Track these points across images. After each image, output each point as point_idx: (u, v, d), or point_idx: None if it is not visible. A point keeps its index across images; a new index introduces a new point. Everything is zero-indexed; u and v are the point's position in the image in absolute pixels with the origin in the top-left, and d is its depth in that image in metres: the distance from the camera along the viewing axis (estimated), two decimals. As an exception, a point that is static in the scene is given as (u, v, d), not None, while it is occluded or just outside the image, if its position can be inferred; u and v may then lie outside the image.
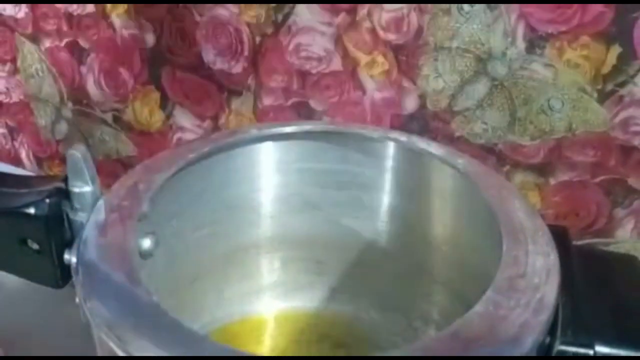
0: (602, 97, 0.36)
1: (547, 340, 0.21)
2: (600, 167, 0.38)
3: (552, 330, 0.21)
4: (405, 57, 0.40)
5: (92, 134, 0.56)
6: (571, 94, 0.36)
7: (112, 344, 0.20)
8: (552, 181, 0.39)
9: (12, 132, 0.62)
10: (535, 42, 0.36)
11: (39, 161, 0.62)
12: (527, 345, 0.20)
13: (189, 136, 0.51)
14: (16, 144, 0.62)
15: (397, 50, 0.40)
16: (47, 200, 0.25)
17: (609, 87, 0.35)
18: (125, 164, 0.55)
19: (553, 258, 0.23)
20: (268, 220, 0.36)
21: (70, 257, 0.24)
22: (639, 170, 0.37)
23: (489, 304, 0.20)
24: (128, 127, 0.54)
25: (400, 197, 0.34)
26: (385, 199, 0.34)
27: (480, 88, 0.38)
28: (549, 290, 0.22)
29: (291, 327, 0.38)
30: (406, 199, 0.34)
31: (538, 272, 0.22)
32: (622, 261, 0.27)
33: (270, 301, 0.38)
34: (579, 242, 0.39)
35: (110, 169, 0.56)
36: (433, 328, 0.35)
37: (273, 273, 0.38)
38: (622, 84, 0.35)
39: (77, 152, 0.24)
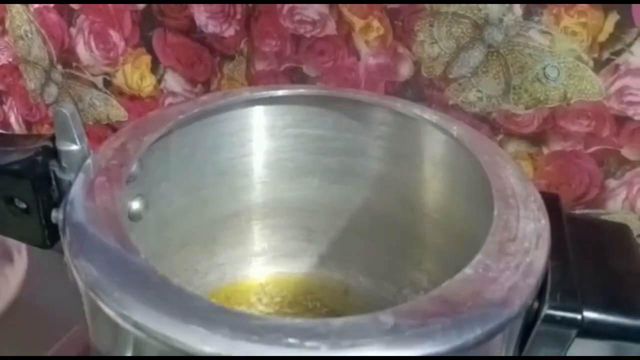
0: (598, 66, 0.36)
1: (536, 304, 0.22)
2: (594, 137, 0.38)
3: (540, 294, 0.22)
4: (401, 22, 0.39)
5: (82, 98, 0.55)
6: (567, 62, 0.36)
7: (99, 302, 0.20)
8: (546, 151, 0.39)
9: (0, 96, 0.61)
10: (532, 8, 0.35)
11: (28, 125, 0.61)
12: (515, 308, 0.20)
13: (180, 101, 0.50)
14: (5, 108, 0.61)
15: (392, 15, 0.39)
16: (35, 159, 0.25)
17: (605, 55, 0.35)
18: (116, 129, 0.55)
19: (544, 223, 0.23)
20: (259, 186, 0.36)
21: (58, 217, 0.24)
22: (633, 141, 0.37)
23: (479, 267, 0.20)
24: (119, 92, 0.53)
25: (393, 163, 0.34)
26: (377, 165, 0.34)
27: (476, 55, 0.38)
28: (539, 255, 0.22)
29: (281, 292, 0.38)
30: (398, 165, 0.33)
31: (528, 236, 0.22)
32: (614, 229, 0.27)
33: (261, 267, 0.38)
34: (571, 213, 0.39)
35: (101, 134, 0.55)
36: (423, 295, 0.35)
37: (264, 239, 0.38)
38: (618, 53, 0.35)
39: (64, 109, 0.24)
